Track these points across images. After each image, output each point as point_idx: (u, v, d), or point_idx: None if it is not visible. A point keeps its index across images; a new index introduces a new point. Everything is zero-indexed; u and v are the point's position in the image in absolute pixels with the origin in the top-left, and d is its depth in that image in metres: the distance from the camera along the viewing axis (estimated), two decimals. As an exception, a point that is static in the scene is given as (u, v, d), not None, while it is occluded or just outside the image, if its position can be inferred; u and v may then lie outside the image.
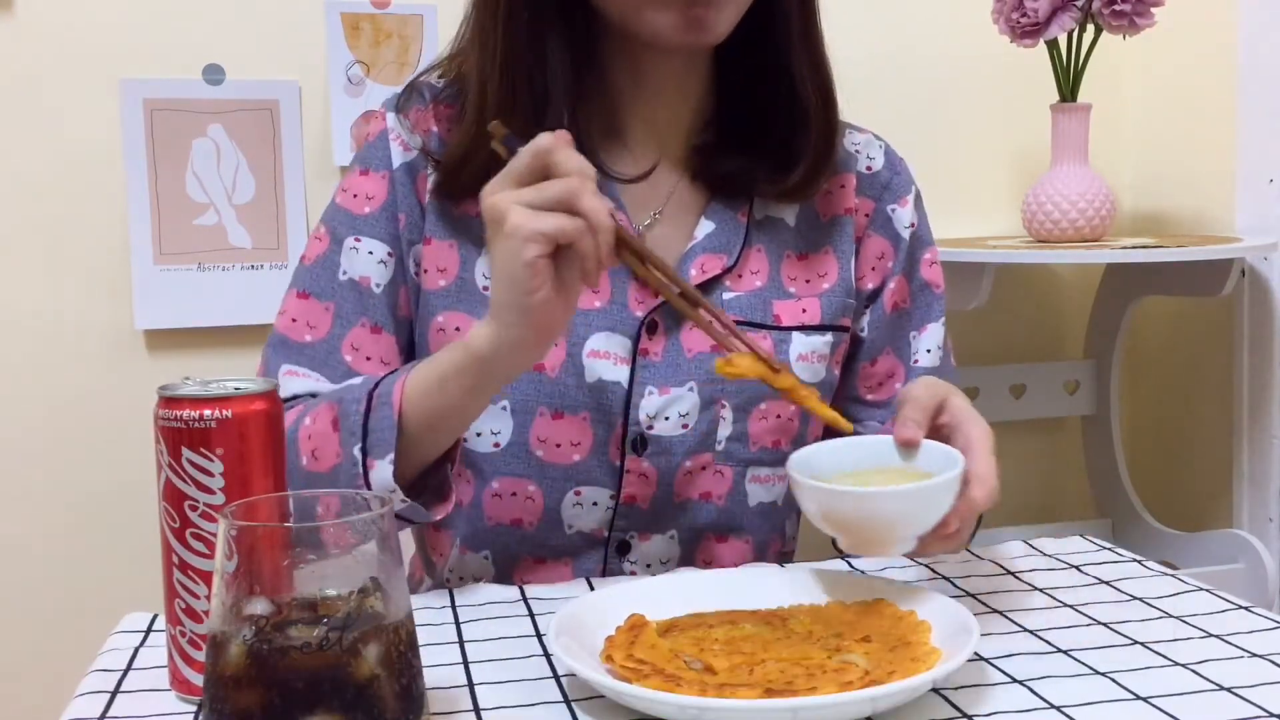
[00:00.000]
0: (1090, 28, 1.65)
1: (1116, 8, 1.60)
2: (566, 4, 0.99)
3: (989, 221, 1.94)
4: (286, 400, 1.00)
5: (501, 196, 0.80)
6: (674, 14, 0.95)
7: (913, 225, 1.12)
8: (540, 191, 0.79)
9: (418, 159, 1.04)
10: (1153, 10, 1.61)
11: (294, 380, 1.01)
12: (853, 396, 1.13)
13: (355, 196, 1.05)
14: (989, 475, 0.82)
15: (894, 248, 1.11)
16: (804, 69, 1.03)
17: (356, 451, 0.89)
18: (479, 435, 1.01)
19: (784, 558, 1.12)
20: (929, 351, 1.12)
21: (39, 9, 1.59)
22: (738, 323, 1.03)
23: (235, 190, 1.67)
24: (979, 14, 1.72)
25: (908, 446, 0.84)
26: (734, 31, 0.99)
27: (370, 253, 1.03)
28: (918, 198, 1.14)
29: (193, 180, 1.65)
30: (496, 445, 1.01)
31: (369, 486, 0.88)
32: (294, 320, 1.03)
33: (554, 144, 0.80)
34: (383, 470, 0.88)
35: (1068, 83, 1.70)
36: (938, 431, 0.87)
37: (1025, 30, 1.65)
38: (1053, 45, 1.69)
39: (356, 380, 0.97)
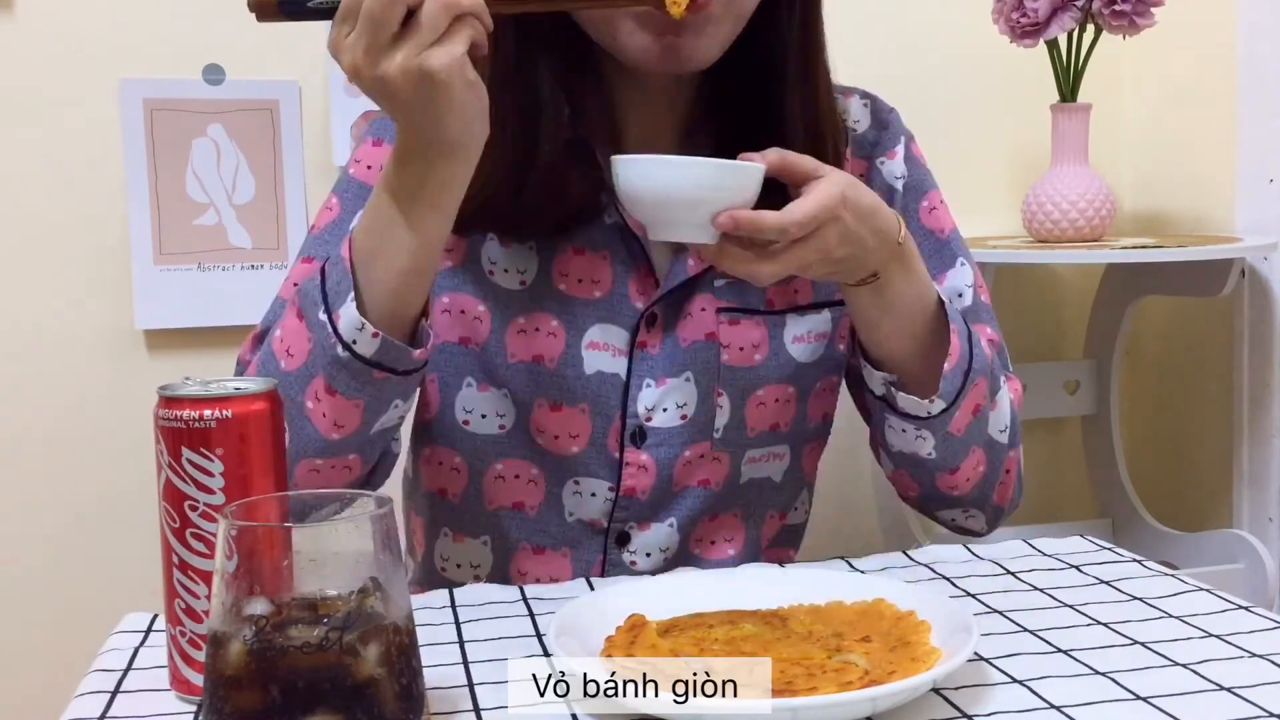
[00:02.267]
0: (1090, 28, 1.65)
1: (1116, 8, 1.60)
2: (554, 24, 0.97)
3: (989, 221, 1.94)
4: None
5: (406, 59, 0.78)
6: (649, 40, 0.92)
7: (902, 176, 1.08)
8: (427, 22, 0.77)
9: None
10: (1153, 10, 1.61)
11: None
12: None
13: (369, 167, 1.04)
14: (804, 216, 0.84)
15: (888, 200, 1.07)
16: (796, 111, 0.99)
17: (321, 316, 0.87)
18: (484, 417, 1.01)
19: (789, 531, 1.12)
20: (960, 295, 1.07)
21: (39, 9, 1.59)
22: (731, 309, 1.03)
23: (235, 190, 1.67)
24: (979, 14, 1.72)
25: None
26: (733, 55, 0.96)
27: None
28: (908, 148, 1.10)
29: (193, 180, 1.65)
30: (502, 428, 1.02)
31: (343, 343, 0.86)
32: (296, 284, 1.02)
33: None
34: (347, 312, 0.86)
35: (1068, 83, 1.70)
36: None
37: (1025, 30, 1.65)
38: (1053, 45, 1.69)
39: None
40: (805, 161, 0.88)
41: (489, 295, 1.02)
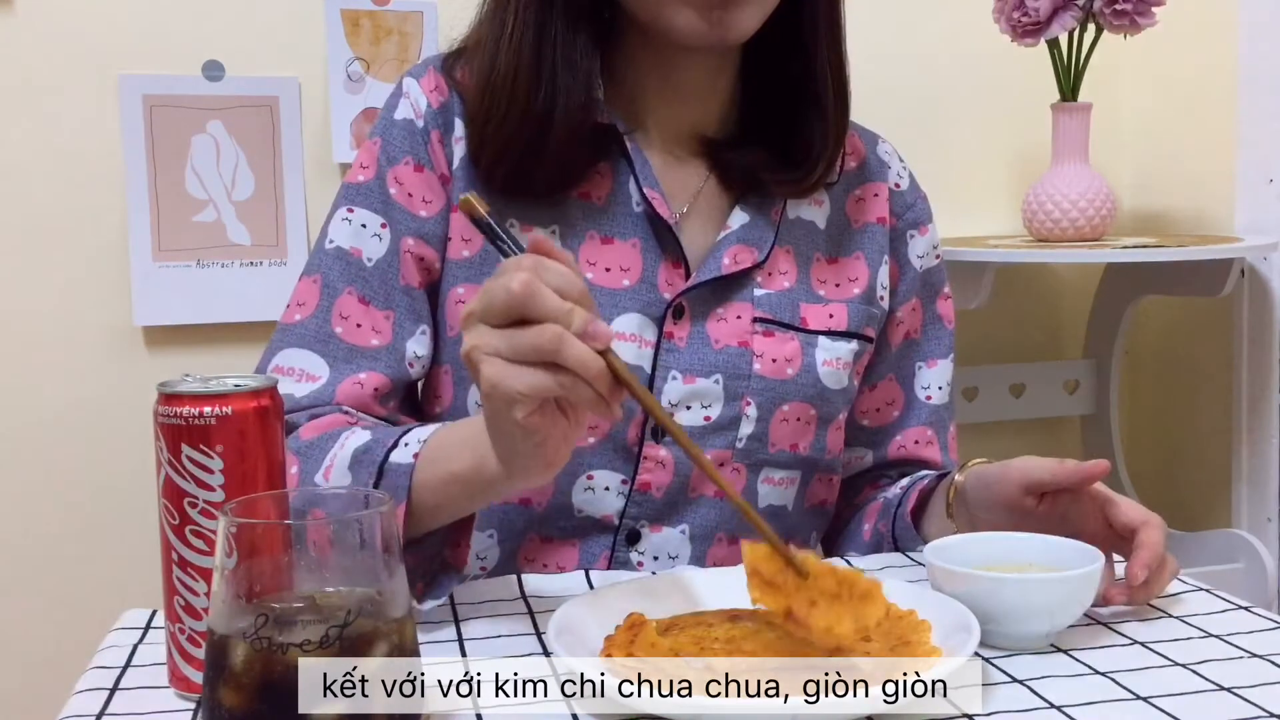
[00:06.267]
0: (1091, 27, 1.65)
1: (1118, 7, 1.60)
2: (591, 3, 0.99)
3: (989, 221, 1.94)
4: (290, 411, 0.98)
5: (475, 345, 0.71)
6: (695, 14, 0.95)
7: (938, 258, 1.15)
8: (515, 341, 0.69)
9: (430, 121, 1.04)
10: (1154, 10, 1.61)
11: (288, 382, 0.99)
12: (848, 421, 1.12)
13: (364, 166, 1.04)
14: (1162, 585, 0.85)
15: (901, 274, 1.12)
16: (827, 68, 1.04)
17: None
18: None
19: None
20: (940, 389, 1.14)
21: (38, 5, 1.59)
22: (764, 320, 1.03)
23: (235, 187, 1.66)
24: (979, 13, 1.72)
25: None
26: (763, 32, 0.99)
27: (364, 225, 1.02)
28: (934, 229, 1.16)
29: (192, 177, 1.65)
30: None
31: None
32: (288, 306, 1.03)
33: (530, 285, 0.69)
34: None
35: (1068, 82, 1.70)
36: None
37: (1026, 29, 1.64)
38: (1053, 44, 1.68)
39: (363, 445, 0.88)
40: (1131, 511, 0.88)
41: None
